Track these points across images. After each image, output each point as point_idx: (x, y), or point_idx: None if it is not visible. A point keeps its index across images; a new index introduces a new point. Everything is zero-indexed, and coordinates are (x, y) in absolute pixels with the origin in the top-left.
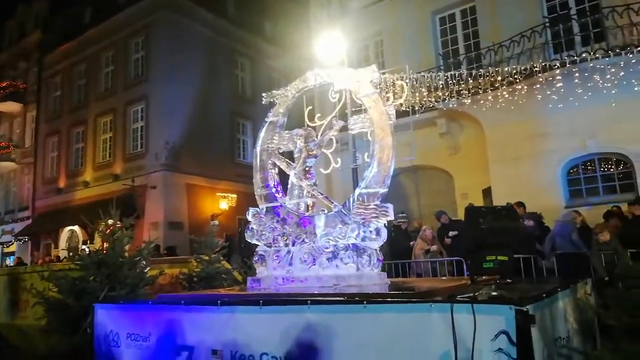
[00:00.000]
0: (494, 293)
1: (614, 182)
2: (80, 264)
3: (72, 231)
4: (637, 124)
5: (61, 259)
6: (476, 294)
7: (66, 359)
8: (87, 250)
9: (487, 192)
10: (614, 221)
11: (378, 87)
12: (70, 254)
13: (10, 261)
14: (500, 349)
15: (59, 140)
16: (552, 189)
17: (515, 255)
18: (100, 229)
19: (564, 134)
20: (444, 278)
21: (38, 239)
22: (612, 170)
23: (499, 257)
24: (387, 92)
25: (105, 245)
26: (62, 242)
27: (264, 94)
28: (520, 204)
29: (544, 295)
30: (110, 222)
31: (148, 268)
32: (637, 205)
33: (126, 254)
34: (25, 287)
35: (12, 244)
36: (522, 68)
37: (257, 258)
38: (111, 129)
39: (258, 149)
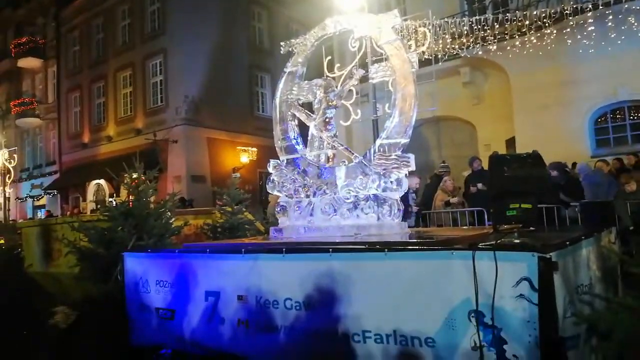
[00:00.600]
0: (517, 240)
1: None
2: (108, 215)
3: (99, 185)
4: None
5: (89, 211)
6: (498, 241)
7: (99, 304)
8: (114, 202)
9: (510, 143)
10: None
11: (399, 34)
12: (98, 206)
13: (41, 214)
14: (521, 295)
15: (80, 95)
16: (579, 138)
17: (539, 205)
18: (126, 181)
19: (594, 81)
20: (465, 227)
21: (66, 193)
22: None
23: (523, 205)
24: (409, 40)
25: (131, 197)
26: (90, 195)
27: (282, 43)
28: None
29: (568, 242)
30: (134, 175)
31: (173, 219)
32: None
33: (152, 206)
34: (57, 237)
35: (42, 197)
36: (552, 11)
37: (278, 209)
38: (131, 84)
39: (277, 100)
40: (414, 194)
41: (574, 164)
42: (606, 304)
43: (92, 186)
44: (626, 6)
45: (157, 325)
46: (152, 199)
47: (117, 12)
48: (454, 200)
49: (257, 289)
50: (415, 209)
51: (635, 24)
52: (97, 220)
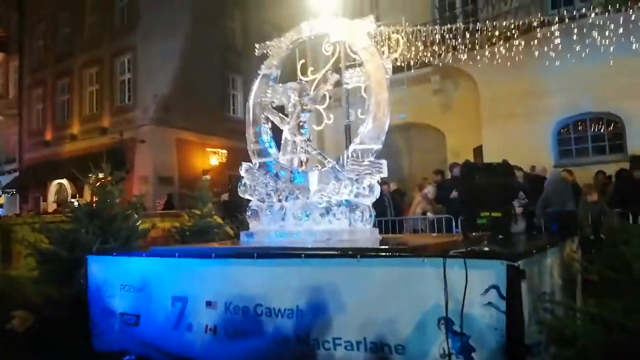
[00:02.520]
0: (486, 248)
1: (604, 143)
2: (71, 216)
3: (61, 184)
4: (634, 82)
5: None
6: (469, 249)
7: (61, 308)
8: (76, 203)
9: (478, 151)
10: (600, 180)
11: (373, 40)
12: (60, 207)
13: None
14: (490, 303)
15: (44, 91)
16: (543, 148)
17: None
18: (91, 182)
19: (559, 92)
20: (434, 235)
21: (26, 192)
22: (602, 130)
23: (493, 214)
24: (382, 46)
25: (95, 198)
26: (51, 195)
27: (257, 45)
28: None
29: (534, 251)
30: (100, 175)
31: (140, 221)
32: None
33: (117, 207)
34: (16, 238)
35: (0, 196)
36: (520, 23)
37: (250, 213)
38: (97, 81)
39: (251, 102)
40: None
41: (533, 167)
42: (569, 311)
43: (53, 186)
44: (590, 21)
45: (121, 330)
46: (117, 200)
47: (85, 5)
48: (429, 213)
49: (227, 294)
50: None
51: (599, 38)
52: (60, 222)
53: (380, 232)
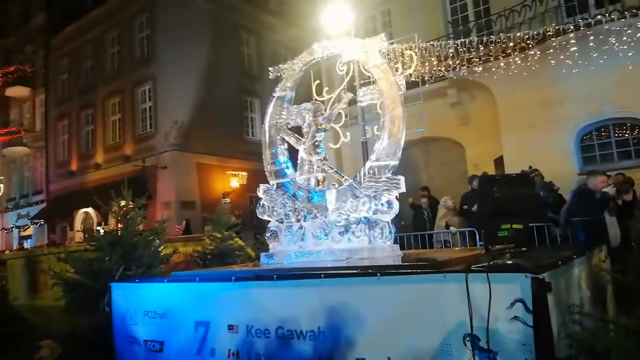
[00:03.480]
0: (509, 262)
1: (629, 148)
2: (95, 245)
3: (87, 213)
4: None
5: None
6: (491, 263)
7: (87, 337)
8: (101, 231)
9: (499, 162)
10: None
11: (386, 57)
12: (85, 235)
13: (28, 244)
14: (516, 317)
15: (69, 123)
16: (566, 156)
17: (530, 224)
18: (114, 209)
19: (578, 99)
20: (456, 249)
21: (54, 222)
22: (626, 135)
23: (514, 226)
24: (395, 63)
25: (119, 226)
26: (77, 224)
27: (270, 68)
28: (536, 171)
29: (560, 262)
30: (122, 203)
31: (162, 247)
32: None
33: (140, 234)
34: (42, 268)
35: (29, 227)
36: (535, 33)
37: (269, 234)
38: (120, 110)
39: (266, 124)
40: None
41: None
42: (600, 323)
43: (80, 215)
44: (606, 27)
45: (146, 357)
46: (140, 227)
47: (106, 39)
48: (454, 220)
49: (247, 317)
50: None
51: (617, 43)
52: (84, 250)
53: (416, 247)
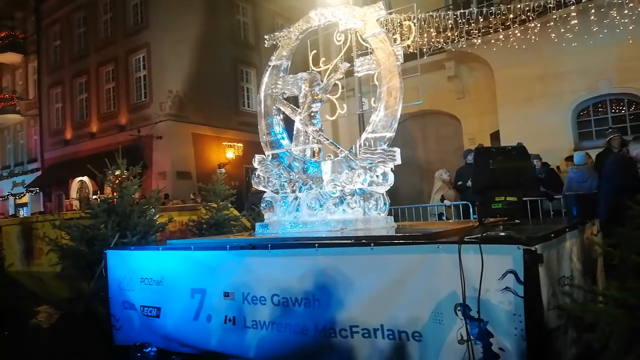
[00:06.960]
0: (502, 233)
1: (625, 124)
2: (90, 213)
3: (82, 182)
4: None
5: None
6: (484, 234)
7: (83, 303)
8: (97, 199)
9: (495, 136)
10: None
11: (384, 27)
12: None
13: (24, 212)
14: (507, 288)
15: (62, 91)
16: (562, 131)
17: (524, 198)
18: (109, 178)
19: (577, 74)
20: (450, 221)
21: (49, 190)
22: (623, 111)
23: (508, 198)
24: (394, 34)
25: (114, 194)
26: (73, 192)
27: (266, 36)
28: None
29: (552, 235)
30: (117, 172)
31: (157, 215)
32: None
33: (135, 202)
34: (38, 235)
35: (24, 195)
36: (536, 5)
37: (264, 204)
38: (114, 79)
39: (262, 94)
40: None
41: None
42: (590, 295)
43: (75, 183)
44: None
45: (142, 323)
46: (136, 195)
47: (99, 5)
48: (450, 193)
49: (243, 285)
50: None
51: (618, 17)
52: (79, 218)
53: (410, 219)
